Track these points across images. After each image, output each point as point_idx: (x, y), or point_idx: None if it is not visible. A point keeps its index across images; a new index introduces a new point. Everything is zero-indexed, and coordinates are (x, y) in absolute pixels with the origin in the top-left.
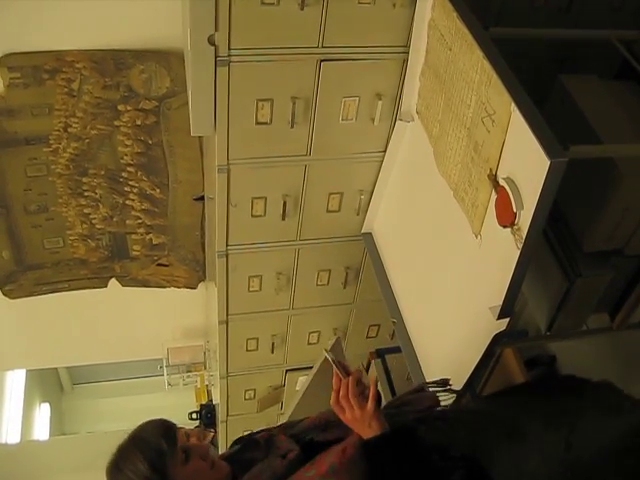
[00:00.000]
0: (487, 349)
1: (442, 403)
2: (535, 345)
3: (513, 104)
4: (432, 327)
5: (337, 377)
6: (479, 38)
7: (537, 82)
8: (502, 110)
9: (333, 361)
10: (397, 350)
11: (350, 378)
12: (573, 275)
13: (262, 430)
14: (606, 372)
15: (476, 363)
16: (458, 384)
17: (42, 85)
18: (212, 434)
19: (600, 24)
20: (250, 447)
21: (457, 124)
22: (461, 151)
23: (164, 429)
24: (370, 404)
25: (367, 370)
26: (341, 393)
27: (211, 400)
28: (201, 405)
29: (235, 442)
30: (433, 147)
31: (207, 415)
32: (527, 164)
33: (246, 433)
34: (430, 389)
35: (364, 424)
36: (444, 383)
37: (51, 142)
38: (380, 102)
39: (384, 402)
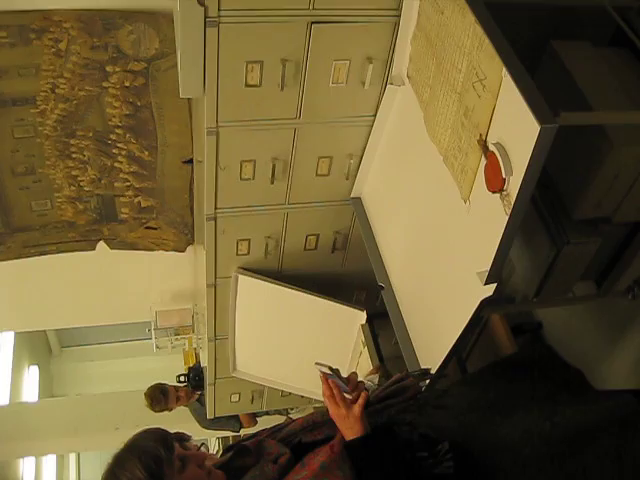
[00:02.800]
0: (474, 314)
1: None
2: (522, 311)
3: (504, 69)
4: (420, 292)
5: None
6: (471, 2)
7: (529, 48)
8: (493, 75)
9: (328, 372)
10: (385, 315)
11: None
12: (561, 242)
13: (252, 436)
14: (591, 338)
15: (463, 328)
16: (445, 349)
17: (29, 45)
18: (198, 393)
19: None
20: (241, 454)
21: (448, 89)
22: (451, 116)
23: (161, 437)
24: (357, 408)
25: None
26: (329, 393)
27: (199, 363)
28: (189, 368)
29: (228, 448)
30: (423, 112)
31: (195, 378)
32: (517, 130)
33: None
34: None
35: (347, 424)
36: (425, 373)
37: (38, 103)
38: (371, 66)
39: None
